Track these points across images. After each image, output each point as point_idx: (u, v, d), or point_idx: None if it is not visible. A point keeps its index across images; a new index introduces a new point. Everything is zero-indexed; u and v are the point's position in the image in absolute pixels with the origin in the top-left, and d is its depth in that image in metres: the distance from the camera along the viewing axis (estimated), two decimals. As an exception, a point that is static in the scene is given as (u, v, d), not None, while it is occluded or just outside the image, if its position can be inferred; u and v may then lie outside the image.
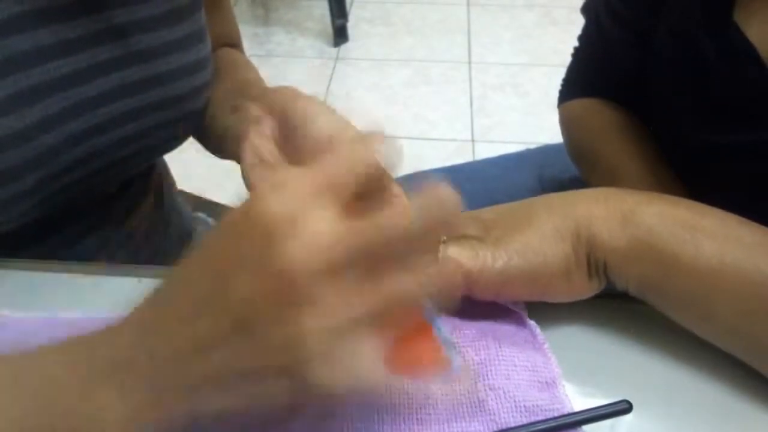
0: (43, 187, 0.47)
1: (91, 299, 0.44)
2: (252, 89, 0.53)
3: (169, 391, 0.27)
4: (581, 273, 0.38)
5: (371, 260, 0.26)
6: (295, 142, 0.41)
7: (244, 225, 0.26)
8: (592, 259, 0.38)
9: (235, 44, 0.69)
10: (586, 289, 0.39)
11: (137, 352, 0.27)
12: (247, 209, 0.26)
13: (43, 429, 0.28)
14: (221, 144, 0.53)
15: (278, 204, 0.25)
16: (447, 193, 0.27)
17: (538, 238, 0.38)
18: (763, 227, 0.38)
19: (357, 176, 0.27)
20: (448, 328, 0.31)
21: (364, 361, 0.25)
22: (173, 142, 0.57)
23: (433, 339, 0.31)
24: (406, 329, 0.28)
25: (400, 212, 0.27)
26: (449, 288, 0.29)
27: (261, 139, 0.43)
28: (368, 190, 0.28)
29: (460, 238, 0.39)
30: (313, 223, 0.25)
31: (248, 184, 0.42)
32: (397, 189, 0.32)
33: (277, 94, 0.44)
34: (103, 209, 0.58)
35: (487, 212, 0.41)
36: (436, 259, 0.28)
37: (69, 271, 0.46)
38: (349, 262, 0.25)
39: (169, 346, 0.27)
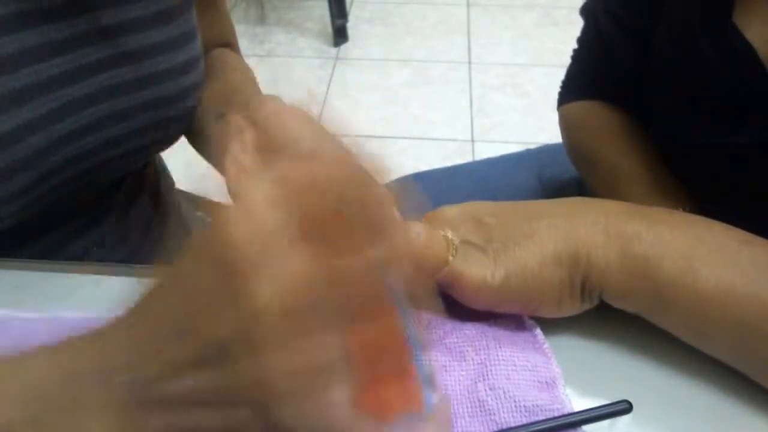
0: (32, 188, 0.46)
1: (91, 299, 0.44)
2: (238, 96, 0.53)
3: (136, 409, 0.26)
4: (573, 298, 0.39)
5: (346, 301, 0.24)
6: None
7: (213, 255, 0.24)
8: (588, 286, 0.38)
9: (230, 44, 0.69)
10: (575, 310, 0.40)
11: (106, 368, 0.27)
12: (215, 237, 0.24)
13: None
14: (206, 149, 0.53)
15: (245, 234, 0.23)
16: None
17: (538, 261, 0.38)
18: (762, 244, 0.38)
19: (332, 195, 0.25)
20: (429, 360, 0.30)
21: (332, 405, 0.24)
22: (163, 142, 0.57)
23: (411, 379, 0.28)
24: (384, 368, 0.27)
25: (390, 250, 0.25)
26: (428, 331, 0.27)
27: (243, 152, 0.42)
28: (359, 212, 0.25)
29: (462, 244, 0.39)
30: (281, 260, 0.23)
31: (232, 194, 0.41)
32: (394, 215, 0.28)
33: (260, 106, 0.44)
34: (96, 208, 0.58)
35: (490, 216, 0.40)
36: (420, 300, 0.27)
37: (69, 271, 0.46)
38: (321, 303, 0.24)
39: (138, 366, 0.26)
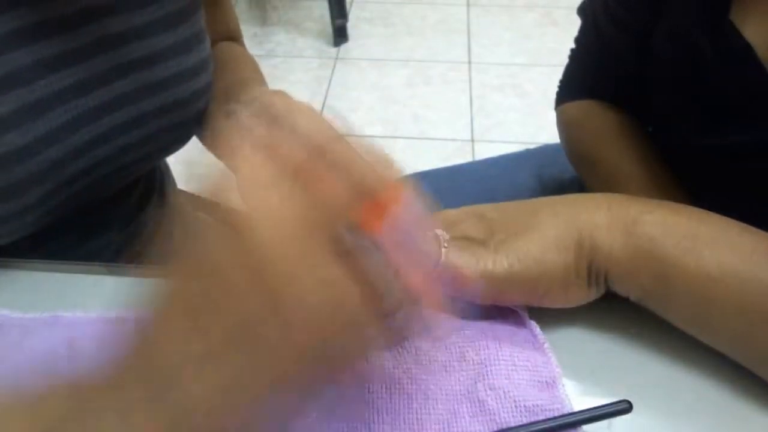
0: (48, 199, 0.46)
1: (91, 299, 0.44)
2: (246, 90, 0.52)
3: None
4: (580, 283, 0.39)
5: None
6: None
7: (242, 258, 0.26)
8: (593, 269, 0.38)
9: (235, 38, 0.69)
10: (583, 297, 0.39)
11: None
12: (242, 242, 0.26)
13: None
14: (213, 144, 0.53)
15: (274, 240, 0.25)
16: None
17: (540, 246, 0.38)
18: (763, 233, 0.38)
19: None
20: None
21: None
22: (175, 146, 0.57)
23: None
24: None
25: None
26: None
27: (254, 150, 0.42)
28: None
29: (462, 239, 0.39)
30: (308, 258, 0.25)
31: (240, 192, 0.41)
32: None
33: (270, 99, 0.44)
34: (107, 213, 0.58)
35: (492, 210, 0.41)
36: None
37: (69, 271, 0.46)
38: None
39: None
